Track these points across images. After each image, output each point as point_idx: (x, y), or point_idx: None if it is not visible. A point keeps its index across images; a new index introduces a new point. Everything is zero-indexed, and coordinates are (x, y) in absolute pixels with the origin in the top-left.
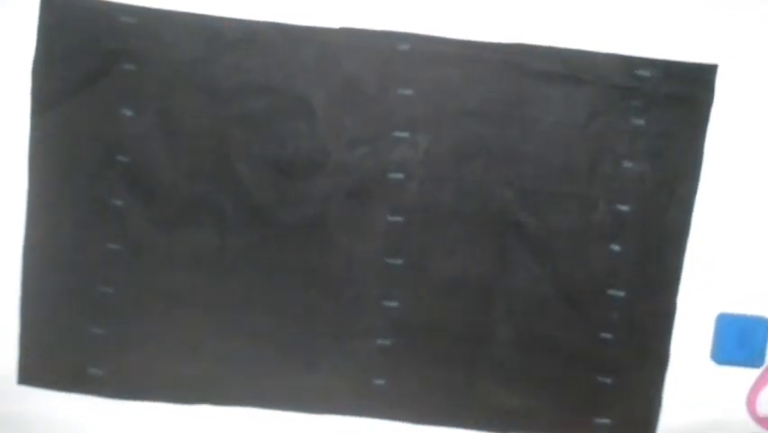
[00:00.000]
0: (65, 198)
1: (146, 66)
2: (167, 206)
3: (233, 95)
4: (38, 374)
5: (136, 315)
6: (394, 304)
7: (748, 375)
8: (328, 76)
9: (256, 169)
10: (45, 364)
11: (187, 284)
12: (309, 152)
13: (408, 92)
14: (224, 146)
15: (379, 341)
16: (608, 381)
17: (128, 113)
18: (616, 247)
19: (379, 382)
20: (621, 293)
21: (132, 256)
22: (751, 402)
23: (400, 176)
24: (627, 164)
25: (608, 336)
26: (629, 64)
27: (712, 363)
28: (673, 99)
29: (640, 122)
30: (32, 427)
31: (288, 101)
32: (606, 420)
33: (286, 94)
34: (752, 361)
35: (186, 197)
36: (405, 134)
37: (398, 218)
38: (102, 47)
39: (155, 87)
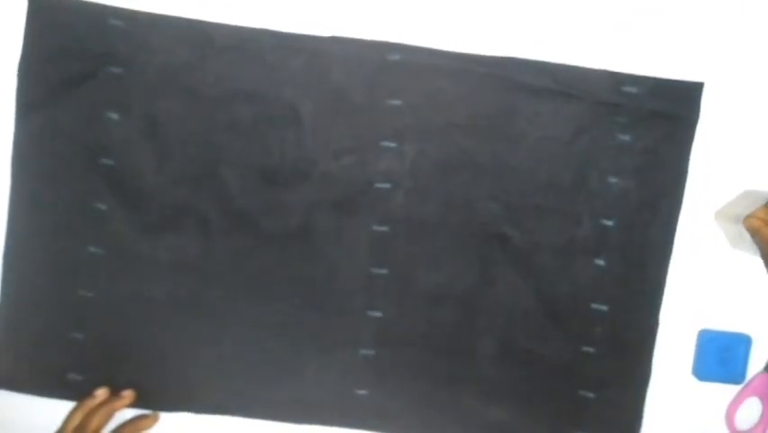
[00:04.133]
0: (47, 200)
1: (133, 70)
2: (150, 210)
3: (220, 101)
4: (16, 379)
5: (117, 320)
6: (378, 314)
7: (729, 392)
8: (317, 84)
9: (241, 176)
10: (23, 369)
11: (170, 290)
12: (296, 160)
13: (397, 102)
14: (210, 152)
15: (363, 351)
16: (590, 395)
17: (114, 116)
18: (599, 262)
19: (362, 392)
20: (604, 308)
21: (114, 261)
22: (730, 418)
23: (387, 186)
24: (612, 180)
25: (590, 350)
26: (616, 80)
27: (693, 379)
28: (659, 116)
29: (626, 138)
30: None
31: (275, 109)
32: None
33: (273, 101)
34: (733, 377)
35: (170, 202)
36: (392, 145)
37: (384, 228)
38: (89, 50)
39: (142, 91)
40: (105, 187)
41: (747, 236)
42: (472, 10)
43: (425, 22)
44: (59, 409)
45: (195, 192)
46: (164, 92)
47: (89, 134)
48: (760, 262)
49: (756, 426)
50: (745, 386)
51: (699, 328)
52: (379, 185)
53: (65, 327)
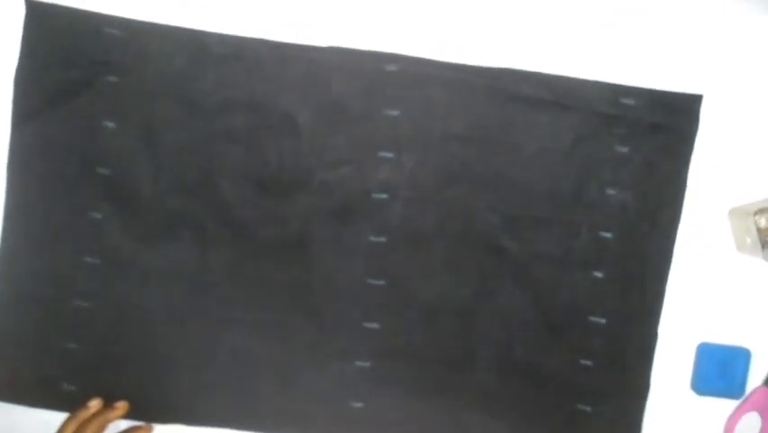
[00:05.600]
0: (43, 209)
1: (130, 78)
2: (146, 220)
3: (217, 110)
4: (9, 389)
5: (112, 330)
6: (375, 326)
7: (728, 406)
8: (314, 94)
9: (238, 185)
10: (17, 379)
11: (165, 300)
12: (293, 169)
13: (395, 113)
14: (207, 161)
15: (359, 363)
16: (588, 409)
17: (110, 125)
18: (598, 274)
19: (358, 405)
20: (602, 320)
21: (109, 270)
22: (728, 432)
23: (384, 196)
24: (611, 191)
25: (588, 363)
26: (614, 92)
27: (692, 393)
28: (657, 128)
29: (624, 150)
30: None
31: (272, 118)
32: None
33: (271, 111)
34: (732, 392)
35: (166, 211)
36: (390, 155)
37: (381, 239)
38: (86, 58)
39: (138, 99)
40: (101, 196)
41: (756, 237)
42: (470, 21)
43: (422, 32)
44: (53, 419)
45: (191, 201)
46: (161, 101)
47: (85, 143)
48: (760, 274)
49: None
50: (744, 400)
51: (698, 342)
52: (376, 195)
53: (60, 336)
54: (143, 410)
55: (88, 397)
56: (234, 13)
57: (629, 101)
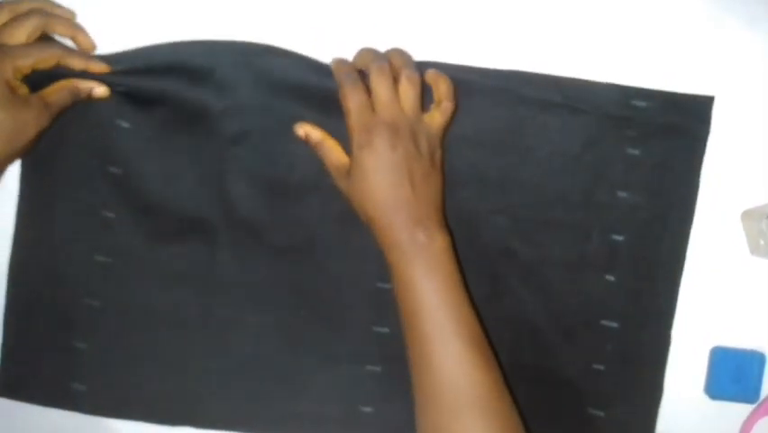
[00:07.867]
0: (55, 207)
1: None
2: (157, 220)
3: (228, 113)
4: (19, 387)
5: (122, 330)
6: (384, 330)
7: (742, 410)
8: (325, 98)
9: (249, 187)
10: (27, 377)
11: (175, 301)
12: (303, 172)
13: None
14: (218, 163)
15: (368, 367)
16: (600, 413)
17: (124, 124)
18: (610, 277)
19: (367, 409)
20: (615, 324)
21: (120, 270)
22: None
23: None
24: (622, 194)
25: (600, 367)
26: (625, 94)
27: (705, 398)
28: (669, 130)
29: (635, 152)
30: None
31: (284, 121)
32: None
33: (282, 114)
34: (746, 396)
35: (177, 212)
36: None
37: None
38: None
39: (151, 99)
40: (112, 195)
41: None
42: (479, 23)
43: (430, 35)
44: (63, 419)
45: (202, 202)
46: (174, 101)
47: (98, 142)
48: None
49: None
50: (758, 405)
51: (712, 346)
52: None
53: (69, 336)
54: (153, 411)
55: (98, 397)
56: (245, 18)
57: (641, 103)
